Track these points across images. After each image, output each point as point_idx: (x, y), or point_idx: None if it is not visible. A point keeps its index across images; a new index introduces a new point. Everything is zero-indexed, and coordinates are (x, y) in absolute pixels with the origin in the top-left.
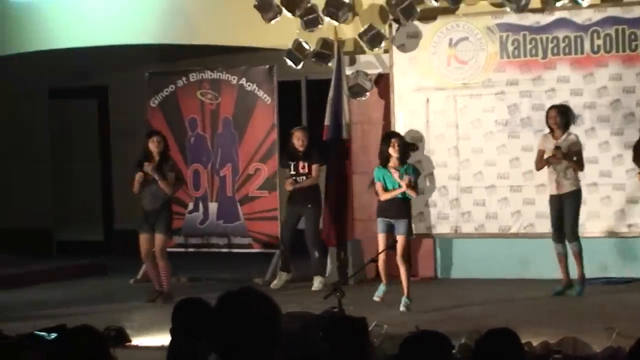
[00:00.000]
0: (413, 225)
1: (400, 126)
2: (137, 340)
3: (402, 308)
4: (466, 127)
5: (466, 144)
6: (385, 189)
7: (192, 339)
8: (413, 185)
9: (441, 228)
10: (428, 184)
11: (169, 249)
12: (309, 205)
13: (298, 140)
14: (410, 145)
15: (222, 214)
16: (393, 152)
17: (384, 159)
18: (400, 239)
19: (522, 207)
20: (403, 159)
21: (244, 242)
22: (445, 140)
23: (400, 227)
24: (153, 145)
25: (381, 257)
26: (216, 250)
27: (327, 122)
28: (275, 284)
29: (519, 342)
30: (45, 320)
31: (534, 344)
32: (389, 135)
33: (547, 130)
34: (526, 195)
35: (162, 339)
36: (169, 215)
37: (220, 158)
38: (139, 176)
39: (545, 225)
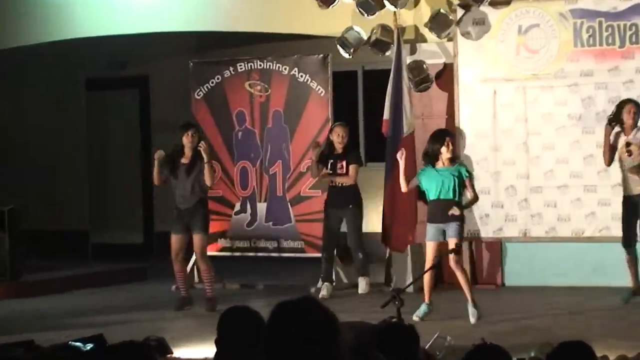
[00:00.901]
0: (475, 228)
1: (465, 120)
2: (179, 352)
3: (472, 319)
4: (536, 122)
5: (536, 139)
6: (426, 195)
7: (241, 351)
8: (473, 187)
9: (509, 231)
10: (495, 183)
11: (214, 253)
12: (350, 206)
13: (338, 136)
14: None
15: (271, 215)
16: (446, 151)
17: (432, 158)
18: (452, 242)
19: (597, 209)
20: (454, 158)
21: (295, 245)
22: (513, 135)
23: (451, 230)
24: (187, 140)
25: (428, 272)
26: (265, 254)
27: (386, 116)
28: (322, 295)
29: (594, 356)
30: (81, 330)
31: (611, 358)
32: (442, 133)
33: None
34: (601, 195)
35: (206, 350)
36: (206, 213)
37: (269, 154)
38: (156, 166)
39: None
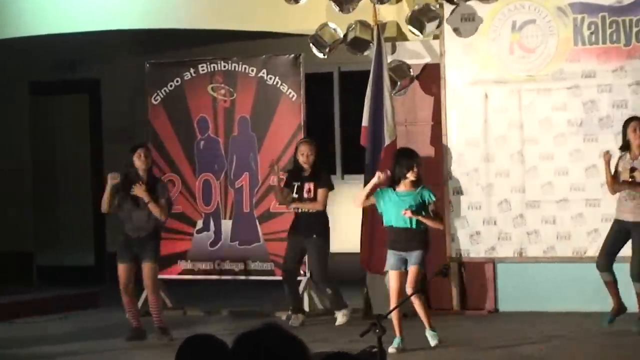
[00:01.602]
0: (465, 247)
1: (453, 127)
2: None
3: (432, 342)
4: (533, 129)
5: (533, 148)
6: (384, 219)
7: None
8: (436, 213)
9: (502, 250)
10: (487, 197)
11: (173, 277)
12: (314, 236)
13: (303, 156)
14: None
15: (237, 233)
16: (412, 175)
17: (394, 181)
18: (412, 270)
19: (600, 225)
20: (418, 181)
21: (264, 267)
22: (507, 144)
23: (413, 258)
24: (140, 162)
25: (396, 304)
26: (231, 277)
27: (365, 122)
28: (291, 323)
29: None
30: None
31: None
32: (410, 156)
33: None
34: (605, 210)
35: None
36: (158, 241)
37: (235, 166)
38: (109, 190)
39: (628, 247)
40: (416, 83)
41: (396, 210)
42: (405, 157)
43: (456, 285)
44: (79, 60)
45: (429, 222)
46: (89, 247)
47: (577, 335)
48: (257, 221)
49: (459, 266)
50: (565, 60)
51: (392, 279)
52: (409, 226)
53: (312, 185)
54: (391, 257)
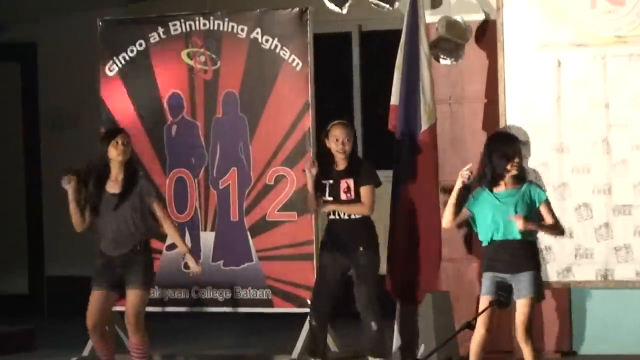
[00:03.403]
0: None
1: (515, 107)
2: None
3: None
4: (622, 108)
5: (622, 134)
6: (478, 232)
7: None
8: (553, 215)
9: (581, 273)
10: (560, 200)
11: None
12: (360, 248)
13: (337, 143)
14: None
15: (222, 250)
16: (514, 169)
17: (492, 180)
18: (521, 304)
19: None
20: (522, 176)
21: (258, 296)
22: (588, 128)
23: (522, 285)
24: (117, 152)
25: (478, 327)
26: (214, 309)
27: (394, 101)
28: None
29: None
30: None
31: None
32: (509, 142)
33: None
34: None
35: None
36: (150, 260)
37: (220, 159)
38: (72, 201)
39: None
40: (463, 48)
41: (496, 219)
42: (503, 144)
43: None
44: (9, 19)
45: (546, 232)
46: (21, 270)
47: None
48: (248, 233)
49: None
50: None
51: (482, 306)
52: (515, 237)
53: (350, 183)
54: (489, 280)
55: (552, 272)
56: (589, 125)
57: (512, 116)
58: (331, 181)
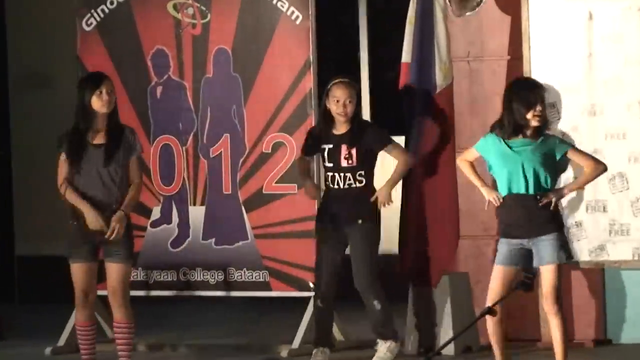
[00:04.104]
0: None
1: (540, 64)
2: None
3: None
4: None
5: None
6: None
7: None
8: (585, 157)
9: (616, 251)
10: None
11: None
12: (359, 221)
13: (337, 104)
14: None
15: (214, 227)
16: (535, 120)
17: (513, 128)
18: (546, 271)
19: None
20: (544, 128)
21: (254, 278)
22: (622, 88)
23: (544, 251)
24: (100, 103)
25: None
26: (204, 293)
27: (405, 58)
28: None
29: None
30: None
31: None
32: (524, 85)
33: None
34: None
35: None
36: (129, 229)
37: (210, 125)
38: (63, 165)
39: None
40: None
41: (508, 173)
42: (523, 89)
43: None
44: None
45: (587, 181)
46: None
47: None
48: (242, 208)
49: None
50: None
51: (497, 278)
52: (529, 192)
53: (352, 148)
54: (504, 248)
55: (584, 250)
56: (623, 85)
57: (538, 75)
58: (330, 146)
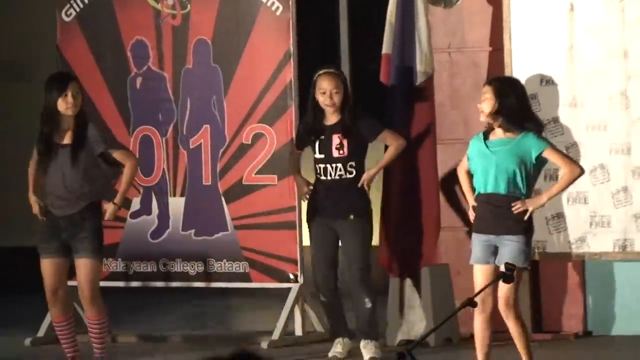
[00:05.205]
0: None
1: (522, 56)
2: None
3: None
4: None
5: None
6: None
7: None
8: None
9: (597, 243)
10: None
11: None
12: (350, 216)
13: (324, 95)
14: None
15: (193, 218)
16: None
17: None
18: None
19: None
20: (514, 122)
21: (234, 269)
22: (604, 80)
23: (505, 251)
24: (66, 105)
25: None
26: (183, 284)
27: (386, 49)
28: (336, 353)
29: None
30: None
31: None
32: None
33: None
34: None
35: None
36: (99, 224)
37: (190, 116)
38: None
39: None
40: None
41: (485, 169)
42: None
43: (526, 295)
44: None
45: (565, 186)
46: None
47: None
48: (222, 199)
49: (532, 267)
50: None
51: (477, 278)
52: (499, 191)
53: (343, 138)
54: (476, 245)
55: (564, 242)
56: (605, 77)
57: (519, 66)
58: (322, 137)
